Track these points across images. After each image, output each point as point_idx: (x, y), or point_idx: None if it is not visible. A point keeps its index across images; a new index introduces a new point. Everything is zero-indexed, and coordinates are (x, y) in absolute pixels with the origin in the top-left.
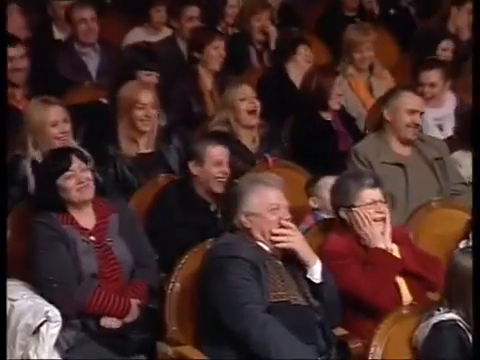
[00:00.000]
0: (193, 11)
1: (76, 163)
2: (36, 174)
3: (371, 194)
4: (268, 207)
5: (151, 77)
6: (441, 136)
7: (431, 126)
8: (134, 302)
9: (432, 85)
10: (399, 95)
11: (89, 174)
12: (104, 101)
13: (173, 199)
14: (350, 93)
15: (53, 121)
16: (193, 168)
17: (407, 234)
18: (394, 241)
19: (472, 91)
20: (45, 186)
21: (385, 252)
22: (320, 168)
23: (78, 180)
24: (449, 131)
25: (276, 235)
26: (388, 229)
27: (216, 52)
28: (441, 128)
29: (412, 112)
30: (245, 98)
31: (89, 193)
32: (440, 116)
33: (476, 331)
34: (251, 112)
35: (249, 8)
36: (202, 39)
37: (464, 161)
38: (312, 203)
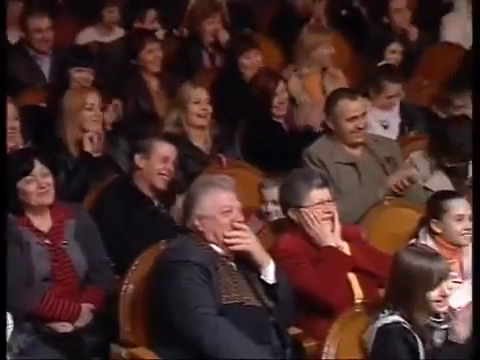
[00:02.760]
0: (149, 13)
1: (38, 167)
2: None
3: (319, 194)
4: (220, 210)
5: (83, 74)
6: (386, 135)
7: (375, 126)
8: (85, 307)
9: (391, 97)
10: (337, 104)
11: (50, 179)
12: (43, 105)
13: (114, 196)
14: (304, 94)
15: None
16: (139, 161)
17: (359, 232)
18: (346, 239)
19: (472, 92)
20: (5, 187)
21: (336, 250)
22: (273, 168)
23: (39, 185)
24: (394, 130)
25: (229, 238)
26: (337, 227)
27: (151, 55)
28: (386, 127)
29: (352, 119)
30: (199, 102)
31: (48, 198)
32: (385, 118)
33: (476, 330)
34: (202, 115)
35: (200, 11)
36: (134, 45)
37: (421, 163)
38: (263, 207)
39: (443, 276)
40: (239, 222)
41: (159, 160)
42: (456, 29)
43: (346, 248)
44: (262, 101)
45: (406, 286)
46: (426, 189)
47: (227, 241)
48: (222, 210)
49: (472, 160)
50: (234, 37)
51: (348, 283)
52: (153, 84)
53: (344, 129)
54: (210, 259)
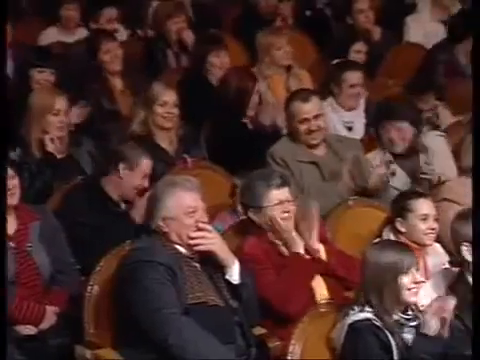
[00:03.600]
0: (111, 13)
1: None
2: None
3: (278, 194)
4: (185, 210)
5: (44, 75)
6: (352, 136)
7: (340, 128)
8: (50, 309)
9: (353, 86)
10: (290, 106)
11: (16, 180)
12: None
13: (80, 200)
14: (268, 94)
15: None
16: (123, 171)
17: (324, 232)
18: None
19: (472, 94)
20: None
21: (301, 259)
22: (239, 169)
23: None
24: (359, 132)
25: (194, 238)
26: (315, 230)
27: (108, 56)
28: (350, 129)
29: (304, 121)
30: (165, 104)
31: (14, 200)
32: (349, 119)
33: (476, 329)
34: (168, 118)
35: (165, 11)
36: (93, 46)
37: (377, 161)
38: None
39: (413, 264)
40: (204, 222)
41: (141, 175)
42: (418, 29)
43: (322, 251)
44: (236, 101)
45: (377, 277)
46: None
47: (191, 242)
48: (186, 211)
49: (472, 159)
50: (201, 37)
51: (311, 291)
52: (117, 84)
53: (297, 130)
54: (174, 259)
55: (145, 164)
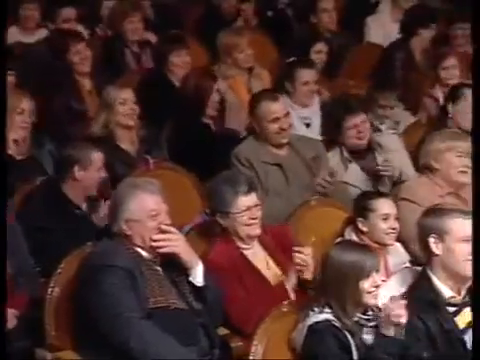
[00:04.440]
0: (69, 12)
1: None
2: None
3: (246, 201)
4: (147, 213)
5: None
6: (309, 133)
7: (298, 124)
8: (11, 312)
9: (306, 83)
10: (259, 105)
11: None
12: None
13: (41, 202)
14: (230, 94)
15: None
16: (78, 173)
17: (288, 232)
18: (275, 239)
19: (472, 94)
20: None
21: (261, 280)
22: (201, 170)
23: None
24: (317, 128)
25: (157, 240)
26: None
27: (77, 57)
28: (308, 125)
29: (275, 120)
30: (125, 102)
31: None
32: (307, 115)
33: (476, 329)
34: (129, 115)
35: (120, 11)
36: (60, 46)
37: (334, 159)
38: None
39: (374, 267)
40: (167, 225)
41: (96, 170)
42: (378, 30)
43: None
44: (195, 100)
45: (338, 280)
46: (344, 183)
47: (154, 244)
48: (149, 214)
49: (472, 161)
50: (163, 36)
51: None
52: (85, 84)
53: (268, 130)
54: (136, 263)
55: (97, 158)
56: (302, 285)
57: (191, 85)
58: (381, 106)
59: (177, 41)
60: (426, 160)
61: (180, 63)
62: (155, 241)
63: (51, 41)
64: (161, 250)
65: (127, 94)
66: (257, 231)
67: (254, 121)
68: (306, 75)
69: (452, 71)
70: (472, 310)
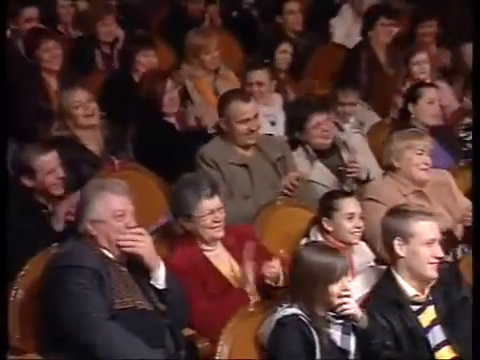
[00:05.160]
0: (31, 12)
1: None
2: None
3: (209, 204)
4: (113, 214)
5: None
6: (274, 131)
7: (263, 122)
8: None
9: (259, 84)
10: (230, 105)
11: None
12: None
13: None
14: (196, 95)
15: None
16: (28, 182)
17: (253, 232)
18: (240, 240)
19: (472, 95)
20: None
21: (224, 282)
22: (167, 170)
23: None
24: (281, 127)
25: (123, 240)
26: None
27: (48, 54)
28: (273, 123)
29: (245, 121)
30: (79, 105)
31: None
32: (271, 113)
33: (476, 330)
34: (88, 116)
35: (94, 12)
36: (31, 44)
37: (300, 158)
38: None
39: (344, 271)
40: (132, 226)
41: (46, 174)
42: (341, 31)
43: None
44: (152, 100)
45: (308, 282)
46: (310, 182)
47: (121, 243)
48: (115, 214)
49: (472, 161)
50: (130, 36)
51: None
52: (52, 84)
53: (237, 131)
54: (102, 264)
55: (44, 163)
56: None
57: (145, 87)
58: (341, 103)
59: (144, 41)
60: (388, 159)
61: (147, 63)
62: (121, 240)
63: (24, 38)
64: (126, 250)
65: (81, 96)
66: (220, 234)
67: (223, 121)
68: (257, 76)
69: (423, 65)
70: (472, 310)
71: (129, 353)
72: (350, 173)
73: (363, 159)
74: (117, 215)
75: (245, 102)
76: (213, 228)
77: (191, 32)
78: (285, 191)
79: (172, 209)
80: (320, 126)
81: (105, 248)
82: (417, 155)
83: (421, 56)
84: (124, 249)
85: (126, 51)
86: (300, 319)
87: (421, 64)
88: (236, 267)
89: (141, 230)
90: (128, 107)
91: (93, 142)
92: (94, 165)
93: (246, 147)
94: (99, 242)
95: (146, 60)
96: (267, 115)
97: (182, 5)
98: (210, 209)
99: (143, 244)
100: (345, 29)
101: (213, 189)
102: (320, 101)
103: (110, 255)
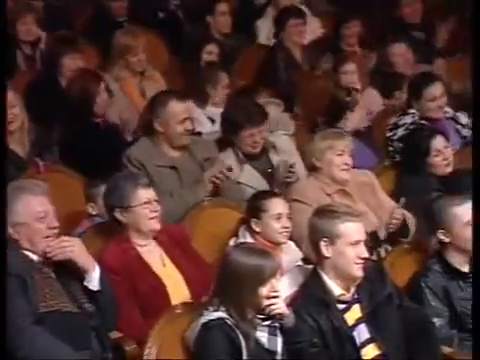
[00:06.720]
0: None
1: None
2: None
3: (146, 193)
4: (34, 216)
5: None
6: (214, 129)
7: (203, 120)
8: None
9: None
10: (167, 105)
11: None
12: None
13: None
14: (122, 97)
15: None
16: None
17: (184, 232)
18: (172, 239)
19: (472, 94)
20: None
21: (155, 279)
22: (93, 171)
23: None
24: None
25: (50, 248)
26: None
27: None
28: (213, 121)
29: (184, 120)
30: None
31: None
32: (211, 111)
33: (476, 330)
34: (10, 120)
35: (13, 12)
36: None
37: (230, 160)
38: (90, 209)
39: (273, 273)
40: (54, 227)
41: None
42: (265, 31)
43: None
44: (83, 100)
45: (236, 283)
46: (239, 183)
47: (48, 252)
48: (36, 216)
49: (472, 162)
50: (54, 38)
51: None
52: None
53: (173, 131)
54: (26, 267)
55: None
56: None
57: (77, 88)
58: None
59: (69, 43)
60: (310, 160)
61: (72, 65)
62: (49, 248)
63: None
64: (56, 258)
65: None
66: (157, 226)
67: (158, 121)
68: None
69: (351, 76)
70: (473, 309)
71: (52, 356)
72: (288, 178)
73: (291, 160)
74: (38, 217)
75: (182, 102)
76: (151, 218)
77: (118, 32)
78: (214, 180)
79: (107, 203)
80: (252, 137)
81: (29, 250)
82: (338, 156)
83: (350, 66)
84: (54, 258)
85: (50, 53)
86: (226, 323)
87: (349, 74)
88: (168, 263)
89: (66, 237)
90: (53, 109)
91: (18, 144)
92: (19, 167)
93: (178, 148)
94: (22, 245)
95: (72, 62)
96: (207, 113)
97: (106, 5)
98: (147, 198)
99: (71, 248)
100: (268, 30)
101: (149, 181)
102: (258, 111)
103: (34, 257)
